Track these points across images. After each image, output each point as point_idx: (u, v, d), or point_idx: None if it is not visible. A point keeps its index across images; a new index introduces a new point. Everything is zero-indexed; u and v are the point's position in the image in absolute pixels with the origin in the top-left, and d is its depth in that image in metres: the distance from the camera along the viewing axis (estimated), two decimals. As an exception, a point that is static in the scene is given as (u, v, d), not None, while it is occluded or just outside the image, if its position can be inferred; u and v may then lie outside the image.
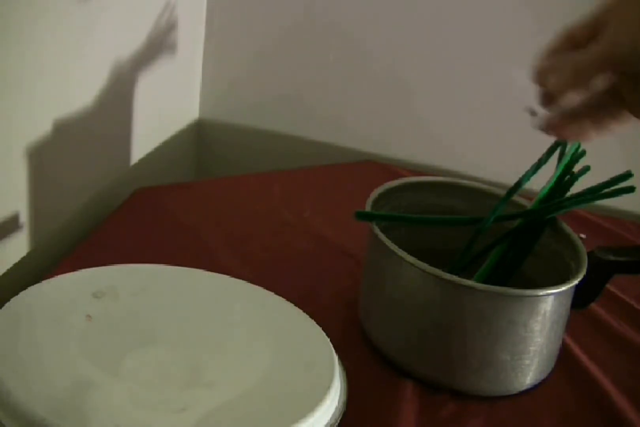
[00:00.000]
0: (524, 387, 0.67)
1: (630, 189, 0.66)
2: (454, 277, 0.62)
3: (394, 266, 0.66)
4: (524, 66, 0.52)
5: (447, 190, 0.77)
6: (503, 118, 1.08)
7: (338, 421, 0.58)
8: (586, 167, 0.70)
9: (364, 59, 1.10)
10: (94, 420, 0.52)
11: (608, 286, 0.70)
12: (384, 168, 1.07)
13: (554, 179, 0.70)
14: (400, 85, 1.10)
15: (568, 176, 0.70)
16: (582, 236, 0.69)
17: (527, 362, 0.65)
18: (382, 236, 0.66)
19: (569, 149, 0.70)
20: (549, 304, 0.64)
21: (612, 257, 0.67)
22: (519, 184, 0.71)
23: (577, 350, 0.73)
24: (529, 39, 1.02)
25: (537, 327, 0.64)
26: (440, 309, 0.65)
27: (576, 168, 0.70)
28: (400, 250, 0.64)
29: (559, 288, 0.63)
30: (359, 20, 1.08)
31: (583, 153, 0.70)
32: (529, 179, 0.71)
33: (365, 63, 1.10)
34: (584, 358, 0.72)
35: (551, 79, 0.50)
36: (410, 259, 0.63)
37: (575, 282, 0.63)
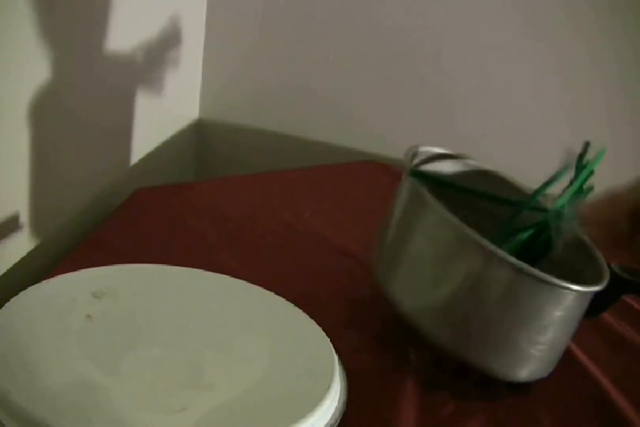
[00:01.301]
0: (526, 379, 0.67)
1: None
2: (501, 252, 0.60)
3: (436, 228, 0.64)
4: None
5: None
6: (504, 118, 1.09)
7: (338, 421, 0.58)
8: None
9: (363, 59, 1.10)
10: (94, 420, 0.52)
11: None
12: (385, 168, 1.07)
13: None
14: (401, 85, 1.10)
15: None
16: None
17: (539, 354, 0.65)
18: (429, 197, 0.63)
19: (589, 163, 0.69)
20: (576, 302, 0.64)
21: (627, 276, 0.67)
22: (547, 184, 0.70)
23: (577, 350, 0.73)
24: (529, 39, 1.03)
25: (559, 320, 0.64)
26: (474, 279, 0.63)
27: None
28: (450, 215, 0.61)
29: (593, 287, 0.63)
30: (359, 21, 1.08)
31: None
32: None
33: (365, 64, 1.10)
34: (584, 358, 0.73)
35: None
36: (458, 224, 0.61)
37: (600, 287, 0.63)
